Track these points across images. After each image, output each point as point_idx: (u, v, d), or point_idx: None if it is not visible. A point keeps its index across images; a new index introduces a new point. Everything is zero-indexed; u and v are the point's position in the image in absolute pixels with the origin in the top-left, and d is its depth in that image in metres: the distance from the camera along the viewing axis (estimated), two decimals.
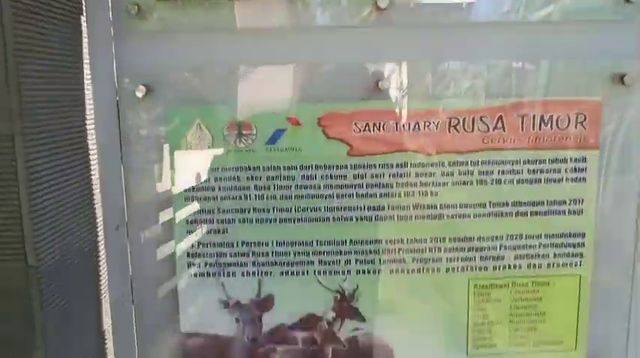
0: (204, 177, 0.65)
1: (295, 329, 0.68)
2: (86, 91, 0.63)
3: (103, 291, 0.69)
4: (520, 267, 0.68)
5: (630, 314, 0.70)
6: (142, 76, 0.62)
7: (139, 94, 0.61)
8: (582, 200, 0.66)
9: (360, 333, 0.68)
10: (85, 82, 0.63)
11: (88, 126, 0.64)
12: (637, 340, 0.70)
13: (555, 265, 0.68)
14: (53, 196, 0.57)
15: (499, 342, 0.69)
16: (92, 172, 0.65)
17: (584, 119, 0.64)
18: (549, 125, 0.64)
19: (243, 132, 0.63)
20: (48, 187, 0.56)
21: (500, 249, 0.67)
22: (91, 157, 0.65)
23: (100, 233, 0.66)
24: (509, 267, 0.68)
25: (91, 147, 0.65)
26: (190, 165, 0.64)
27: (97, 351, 0.68)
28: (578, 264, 0.68)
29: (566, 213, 0.67)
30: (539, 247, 0.67)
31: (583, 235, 0.67)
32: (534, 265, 0.68)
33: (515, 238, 0.67)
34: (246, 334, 0.68)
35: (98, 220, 0.66)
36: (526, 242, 0.67)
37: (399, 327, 0.69)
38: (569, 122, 0.64)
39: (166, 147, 0.65)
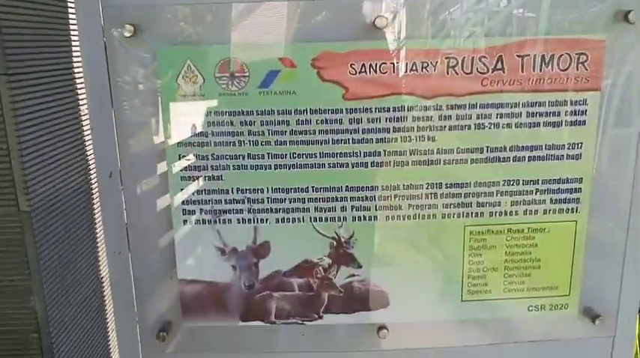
0: (196, 122, 0.63)
1: (291, 276, 0.68)
2: (72, 32, 0.61)
3: (99, 239, 0.69)
4: (516, 213, 0.67)
5: (625, 259, 0.70)
6: (129, 14, 0.59)
7: (127, 34, 0.59)
8: (581, 144, 0.66)
9: (356, 279, 0.69)
10: (71, 21, 0.61)
11: (75, 69, 0.62)
12: (637, 285, 0.71)
13: (552, 211, 0.67)
14: (43, 139, 0.56)
15: (493, 288, 0.70)
16: (82, 116, 0.64)
17: (586, 59, 0.63)
18: (550, 66, 0.63)
19: (236, 74, 0.62)
20: (37, 130, 0.55)
21: (496, 194, 0.67)
22: (81, 100, 0.64)
23: (94, 179, 0.65)
24: (506, 213, 0.67)
25: (80, 89, 0.63)
26: (182, 109, 0.63)
27: (96, 298, 0.69)
28: (575, 209, 0.68)
29: (565, 157, 0.66)
30: (536, 193, 0.67)
31: (580, 180, 0.67)
32: (530, 211, 0.67)
33: (512, 184, 0.66)
34: (242, 280, 0.68)
35: (91, 166, 0.66)
36: (523, 188, 0.67)
37: (395, 273, 0.69)
38: (570, 62, 0.63)
39: (157, 90, 0.62)
